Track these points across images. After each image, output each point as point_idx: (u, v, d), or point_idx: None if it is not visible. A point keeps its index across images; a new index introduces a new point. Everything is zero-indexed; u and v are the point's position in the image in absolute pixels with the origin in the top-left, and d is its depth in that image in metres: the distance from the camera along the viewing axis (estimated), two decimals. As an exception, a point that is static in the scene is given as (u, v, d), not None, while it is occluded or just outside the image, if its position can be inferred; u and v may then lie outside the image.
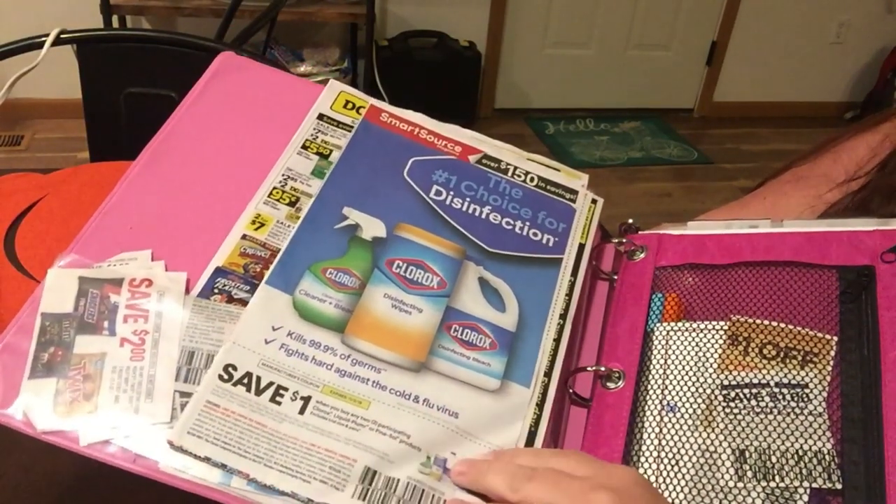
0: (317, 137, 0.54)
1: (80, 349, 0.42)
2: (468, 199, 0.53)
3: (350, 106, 0.57)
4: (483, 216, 0.52)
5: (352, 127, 0.55)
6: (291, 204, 0.50)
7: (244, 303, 0.45)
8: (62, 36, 1.07)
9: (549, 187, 0.56)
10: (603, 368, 0.50)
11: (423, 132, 0.56)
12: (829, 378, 0.44)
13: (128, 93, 1.20)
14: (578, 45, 3.24)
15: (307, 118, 0.55)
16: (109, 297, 0.44)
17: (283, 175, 0.52)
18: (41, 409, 0.40)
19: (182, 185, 0.51)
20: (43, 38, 1.05)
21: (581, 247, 0.53)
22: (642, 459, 0.46)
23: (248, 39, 1.63)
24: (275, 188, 0.51)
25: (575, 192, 0.56)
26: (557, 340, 0.49)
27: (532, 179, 0.56)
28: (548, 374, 0.48)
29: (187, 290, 0.45)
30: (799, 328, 0.47)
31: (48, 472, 0.51)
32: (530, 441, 0.45)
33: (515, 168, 0.56)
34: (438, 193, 0.52)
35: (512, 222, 0.53)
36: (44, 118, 2.79)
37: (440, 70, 2.89)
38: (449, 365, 0.46)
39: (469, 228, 0.51)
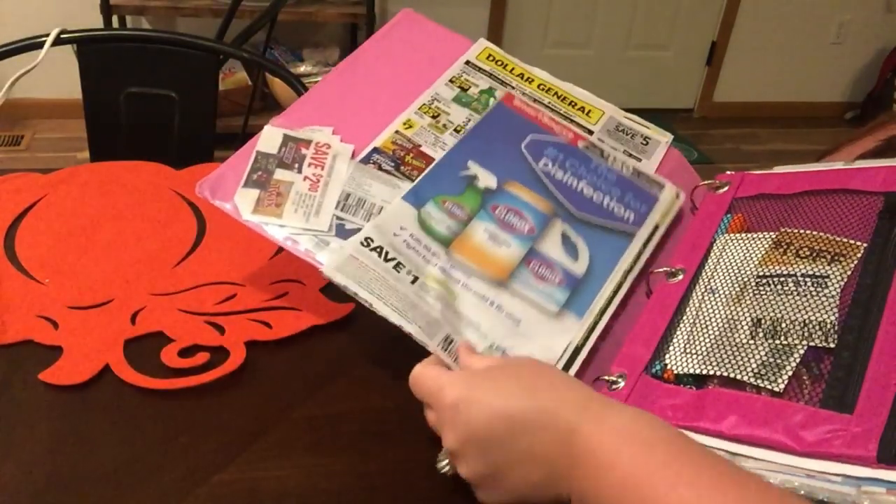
0: (461, 76, 0.73)
1: (278, 177, 0.63)
2: (569, 172, 0.64)
3: (491, 58, 0.75)
4: (578, 188, 0.64)
5: (490, 73, 0.73)
6: (434, 117, 0.69)
7: (388, 172, 0.65)
8: (62, 36, 1.07)
9: (641, 177, 0.66)
10: (667, 268, 0.61)
11: (545, 118, 0.68)
12: (849, 272, 0.51)
13: (128, 93, 1.20)
14: (578, 45, 3.25)
15: (456, 63, 0.74)
16: (301, 150, 0.65)
17: (431, 97, 0.71)
18: (247, 207, 0.61)
19: (361, 90, 0.71)
20: (43, 38, 1.05)
21: (656, 227, 0.64)
22: (679, 326, 0.56)
23: (248, 39, 1.64)
24: (424, 104, 0.70)
25: (662, 186, 0.66)
26: (616, 292, 0.59)
27: (628, 169, 0.66)
28: (602, 313, 0.58)
29: (352, 157, 0.65)
30: (836, 237, 0.54)
31: (48, 472, 0.51)
32: (574, 355, 0.56)
33: (615, 157, 0.67)
34: (546, 164, 0.64)
35: (601, 196, 0.64)
36: (44, 118, 2.79)
37: (440, 70, 2.89)
38: (522, 287, 0.58)
39: (564, 194, 0.63)
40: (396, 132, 0.67)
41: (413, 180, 0.64)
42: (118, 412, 0.55)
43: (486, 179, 0.63)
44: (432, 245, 0.59)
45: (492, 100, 0.71)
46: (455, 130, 0.69)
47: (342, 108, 0.69)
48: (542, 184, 0.63)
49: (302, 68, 2.77)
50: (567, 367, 0.55)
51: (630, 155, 0.69)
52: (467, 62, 0.74)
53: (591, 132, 0.71)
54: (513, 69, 0.75)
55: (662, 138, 0.72)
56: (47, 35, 1.04)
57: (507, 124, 0.67)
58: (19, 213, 0.77)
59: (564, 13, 3.15)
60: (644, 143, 0.72)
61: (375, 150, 0.66)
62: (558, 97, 0.73)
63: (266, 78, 2.63)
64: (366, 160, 0.65)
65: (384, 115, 0.69)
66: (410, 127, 0.68)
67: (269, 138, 0.65)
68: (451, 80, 0.72)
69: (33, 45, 1.06)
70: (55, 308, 0.65)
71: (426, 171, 0.63)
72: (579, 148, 0.66)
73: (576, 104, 0.73)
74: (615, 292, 0.59)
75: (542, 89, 0.74)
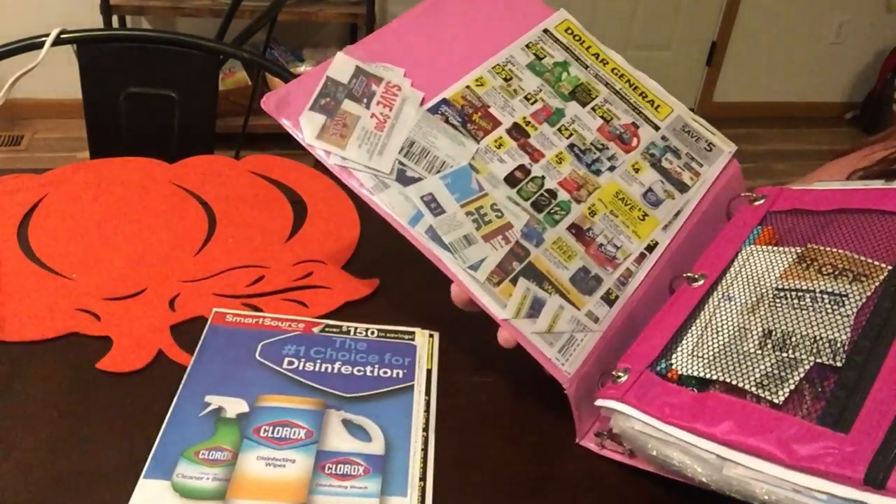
0: (538, 43, 0.72)
1: (345, 108, 0.62)
2: (319, 361, 0.61)
3: (569, 31, 0.74)
4: (335, 371, 0.60)
5: (567, 47, 0.72)
6: (506, 80, 0.68)
7: (454, 127, 0.63)
8: (62, 36, 1.07)
9: (388, 335, 0.65)
10: (691, 274, 0.61)
11: (266, 320, 0.65)
12: (869, 293, 0.51)
13: (128, 93, 1.20)
14: (578, 45, 3.24)
15: (535, 28, 0.73)
16: (371, 86, 0.64)
17: (506, 59, 0.69)
18: (311, 131, 0.60)
19: (437, 37, 0.69)
20: (43, 38, 1.05)
21: (429, 371, 0.62)
22: (691, 329, 0.56)
23: (248, 39, 1.63)
24: (498, 65, 0.69)
25: (412, 333, 0.65)
26: (425, 450, 0.56)
27: (373, 333, 0.65)
28: (423, 479, 0.53)
29: (421, 104, 0.64)
30: (861, 257, 0.54)
31: (48, 472, 0.51)
32: None
33: (356, 328, 0.65)
34: (291, 363, 0.60)
35: (362, 369, 0.61)
36: (44, 118, 2.79)
37: (440, 70, 2.88)
38: (327, 498, 0.51)
39: (324, 383, 0.59)
40: (467, 87, 0.66)
41: (478, 141, 0.63)
42: (118, 412, 0.55)
43: (235, 406, 0.56)
44: None
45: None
46: (525, 98, 0.67)
47: (416, 51, 0.67)
48: (297, 383, 0.59)
49: (302, 68, 2.77)
50: None
51: (692, 159, 0.71)
52: (545, 30, 0.73)
53: (657, 128, 0.71)
54: (589, 47, 0.74)
55: (726, 147, 0.72)
56: (47, 35, 1.04)
57: (228, 343, 0.62)
58: (25, 212, 0.77)
59: (564, 13, 3.15)
60: (708, 148, 0.72)
61: (444, 101, 0.64)
62: (630, 85, 0.73)
63: (266, 78, 2.63)
64: (434, 110, 0.64)
65: (457, 67, 0.68)
66: (482, 85, 0.66)
67: (341, 66, 0.64)
68: (527, 46, 0.71)
69: (33, 45, 1.06)
70: (92, 301, 0.65)
71: (162, 430, 0.54)
72: (316, 334, 0.64)
73: (646, 96, 0.73)
74: (424, 451, 0.55)
75: (616, 74, 0.73)
